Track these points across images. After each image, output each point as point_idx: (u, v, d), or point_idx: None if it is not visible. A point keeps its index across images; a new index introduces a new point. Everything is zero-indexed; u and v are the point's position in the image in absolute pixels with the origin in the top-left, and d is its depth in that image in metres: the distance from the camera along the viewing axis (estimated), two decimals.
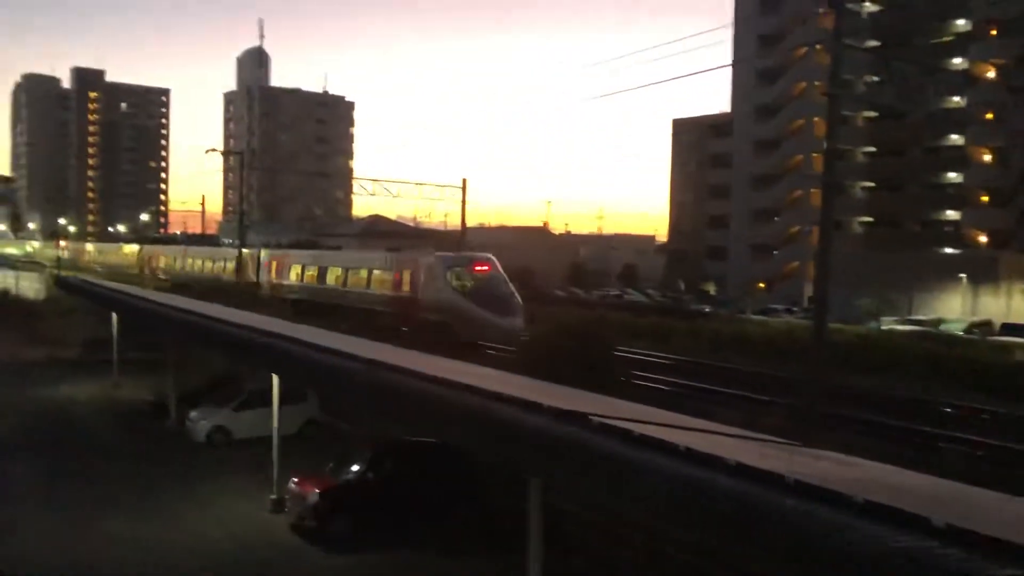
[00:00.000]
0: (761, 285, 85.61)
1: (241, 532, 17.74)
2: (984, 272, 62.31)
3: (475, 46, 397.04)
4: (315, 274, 46.98)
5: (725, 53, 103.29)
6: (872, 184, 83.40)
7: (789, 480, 8.21)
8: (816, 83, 75.82)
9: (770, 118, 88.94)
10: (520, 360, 22.35)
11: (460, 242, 52.32)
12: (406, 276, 38.26)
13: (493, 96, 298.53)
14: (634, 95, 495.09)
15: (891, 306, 58.44)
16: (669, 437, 9.92)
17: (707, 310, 65.57)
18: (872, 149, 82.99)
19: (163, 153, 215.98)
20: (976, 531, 6.87)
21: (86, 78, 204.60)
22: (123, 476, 21.56)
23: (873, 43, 70.29)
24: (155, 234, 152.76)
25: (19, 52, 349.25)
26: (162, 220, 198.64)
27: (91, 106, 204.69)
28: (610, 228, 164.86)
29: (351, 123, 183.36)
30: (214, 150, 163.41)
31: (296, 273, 49.05)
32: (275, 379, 19.43)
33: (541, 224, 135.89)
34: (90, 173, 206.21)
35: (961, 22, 75.80)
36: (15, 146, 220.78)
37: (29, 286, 62.39)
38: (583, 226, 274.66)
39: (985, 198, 74.07)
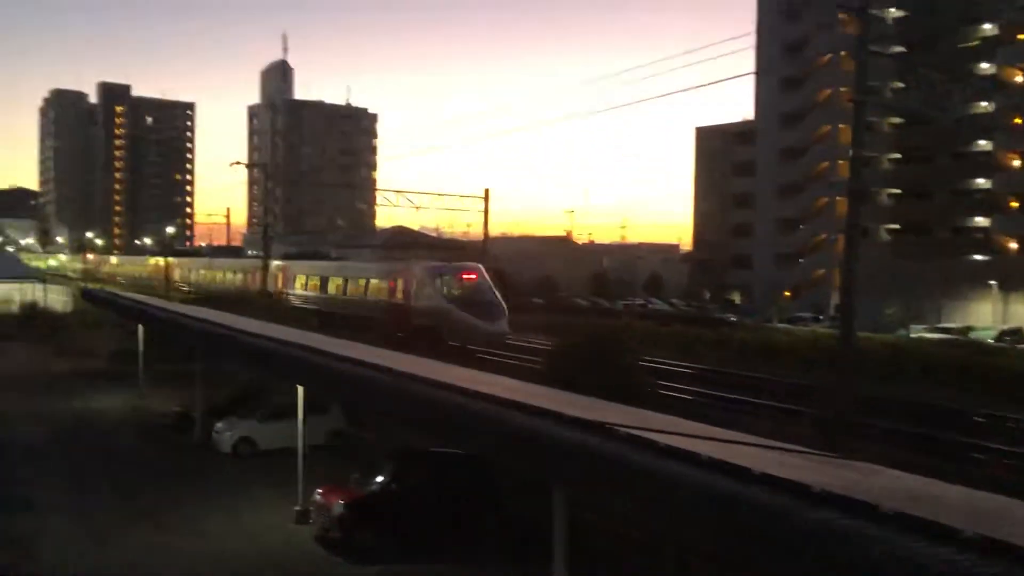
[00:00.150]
0: (787, 294, 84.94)
1: (266, 543, 17.75)
2: (1015, 279, 61.48)
3: (497, 56, 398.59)
4: (318, 283, 49.65)
5: (748, 61, 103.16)
6: (899, 191, 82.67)
7: (816, 490, 8.08)
8: (841, 89, 75.26)
9: (794, 125, 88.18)
10: (543, 372, 22.35)
11: (482, 252, 52.46)
12: (399, 285, 40.53)
13: (515, 106, 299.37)
14: (657, 104, 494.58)
15: (920, 314, 57.81)
16: (694, 448, 9.84)
17: (732, 319, 65.21)
18: (898, 156, 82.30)
19: (188, 166, 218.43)
20: (1013, 543, 6.68)
21: (112, 93, 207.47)
22: (148, 486, 21.68)
23: (899, 48, 69.73)
24: (181, 247, 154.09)
25: (47, 68, 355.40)
26: (188, 232, 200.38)
27: (117, 120, 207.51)
28: (633, 237, 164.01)
29: (374, 135, 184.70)
30: (238, 163, 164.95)
31: (301, 283, 51.50)
32: (300, 390, 19.49)
33: (564, 233, 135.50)
34: (116, 186, 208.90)
35: (988, 26, 75.11)
36: (43, 160, 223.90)
37: (57, 299, 63.13)
38: (606, 235, 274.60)
39: (1015, 204, 73.15)
